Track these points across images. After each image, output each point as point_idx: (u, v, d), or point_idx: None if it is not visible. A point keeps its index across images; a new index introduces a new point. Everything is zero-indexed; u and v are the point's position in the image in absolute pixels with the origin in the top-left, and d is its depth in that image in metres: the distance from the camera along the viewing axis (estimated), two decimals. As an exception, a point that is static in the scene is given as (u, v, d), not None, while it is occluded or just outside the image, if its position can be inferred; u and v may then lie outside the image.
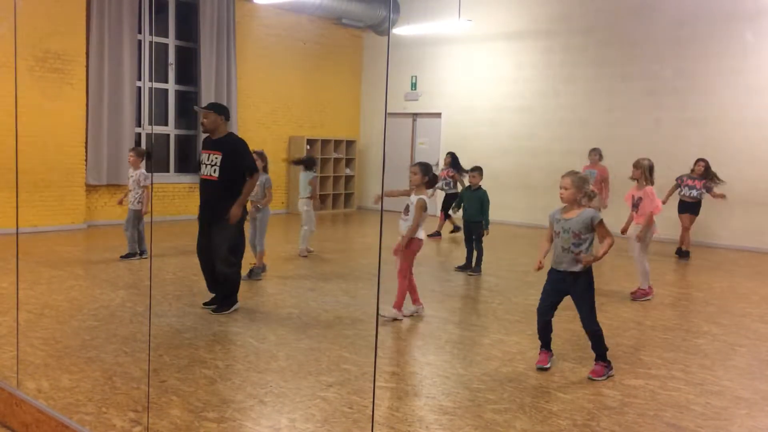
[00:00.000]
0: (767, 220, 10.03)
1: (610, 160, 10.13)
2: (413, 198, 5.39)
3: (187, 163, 11.75)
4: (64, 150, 9.75)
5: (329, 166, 13.73)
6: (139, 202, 7.55)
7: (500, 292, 6.71)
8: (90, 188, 10.23)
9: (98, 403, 3.57)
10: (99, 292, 6.08)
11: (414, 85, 13.86)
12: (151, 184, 9.48)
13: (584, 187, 4.23)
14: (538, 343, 4.46)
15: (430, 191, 5.59)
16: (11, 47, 8.65)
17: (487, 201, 7.56)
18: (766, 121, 9.99)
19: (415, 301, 5.65)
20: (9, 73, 8.88)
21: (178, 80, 11.63)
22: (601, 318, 5.45)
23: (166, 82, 11.49)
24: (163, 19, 11.37)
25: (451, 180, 10.27)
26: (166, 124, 11.58)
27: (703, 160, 9.01)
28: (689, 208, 9.05)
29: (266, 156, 6.99)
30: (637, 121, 11.11)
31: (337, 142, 13.90)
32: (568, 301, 4.32)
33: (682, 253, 9.14)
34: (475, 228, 7.59)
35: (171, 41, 11.46)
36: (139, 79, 10.79)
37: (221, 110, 5.51)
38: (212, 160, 5.39)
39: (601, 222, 4.18)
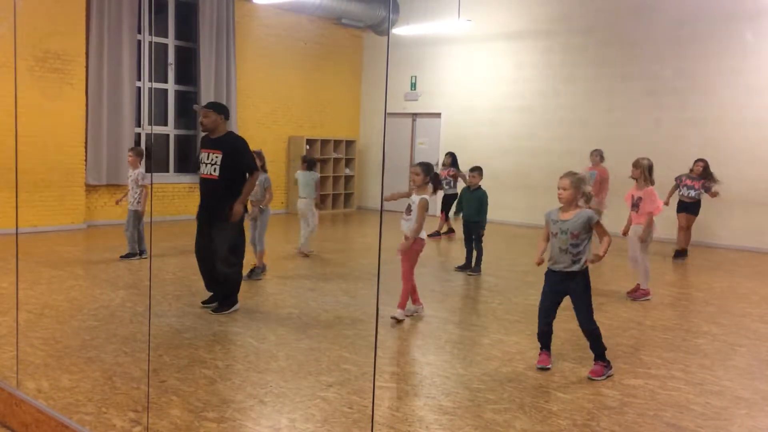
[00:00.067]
0: (767, 220, 10.03)
1: (610, 160, 10.14)
2: (415, 198, 5.38)
3: (187, 163, 11.75)
4: (64, 150, 9.75)
5: (329, 166, 13.73)
6: (138, 202, 7.55)
7: (500, 292, 6.71)
8: (90, 188, 10.23)
9: (98, 403, 3.57)
10: (99, 292, 6.08)
11: (414, 85, 13.86)
12: (151, 183, 9.47)
13: (582, 188, 4.25)
14: (538, 343, 4.46)
15: (430, 190, 5.58)
16: (11, 47, 8.65)
17: (486, 201, 7.57)
18: (766, 121, 9.99)
19: (415, 301, 5.66)
20: (9, 73, 8.88)
21: (178, 80, 11.63)
22: (601, 318, 5.47)
23: (166, 82, 11.49)
24: (162, 19, 11.37)
25: (452, 179, 10.27)
26: (165, 124, 11.58)
27: (702, 160, 9.01)
28: (687, 207, 9.05)
29: (264, 155, 7.00)
30: (637, 121, 11.11)
31: (337, 142, 13.90)
32: (567, 301, 4.32)
33: (678, 253, 9.14)
34: (475, 228, 7.59)
35: (171, 41, 11.46)
36: (139, 79, 10.79)
37: (221, 109, 5.51)
38: (212, 159, 5.39)
39: (598, 222, 4.22)
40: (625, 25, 11.19)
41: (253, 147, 5.83)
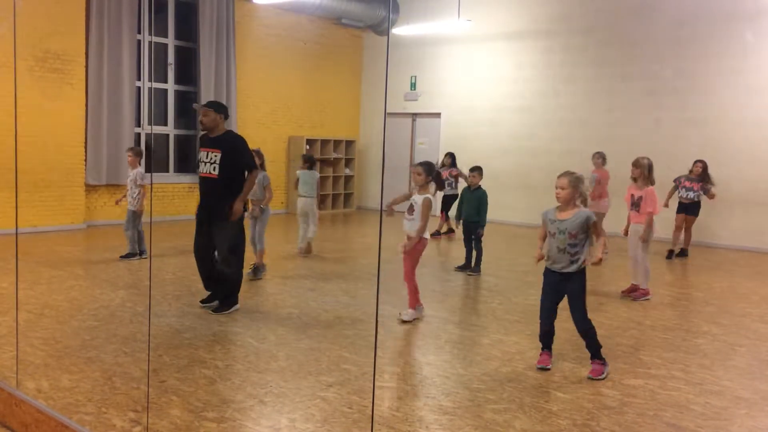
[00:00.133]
0: (767, 220, 10.03)
1: (610, 160, 10.10)
2: (418, 197, 5.36)
3: (187, 163, 11.75)
4: (64, 150, 9.75)
5: (329, 166, 13.73)
6: (137, 202, 7.55)
7: (500, 292, 6.71)
8: (90, 188, 10.23)
9: (98, 403, 3.57)
10: (99, 292, 6.08)
11: (413, 85, 13.86)
12: (151, 183, 9.48)
13: (580, 188, 4.25)
14: (538, 342, 4.46)
15: (432, 189, 5.57)
16: (11, 47, 8.65)
17: (486, 201, 7.56)
18: (766, 121, 9.99)
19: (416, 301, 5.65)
20: (9, 73, 8.88)
21: (178, 80, 11.63)
22: (601, 318, 5.48)
23: (166, 82, 11.49)
24: (162, 19, 11.37)
25: (453, 180, 10.27)
26: (165, 124, 11.57)
27: (701, 161, 9.01)
28: (686, 209, 9.05)
29: (263, 154, 7.00)
30: (637, 121, 11.11)
31: (337, 142, 13.90)
32: (566, 301, 4.32)
33: (671, 253, 9.13)
34: (474, 228, 7.59)
35: (170, 41, 11.46)
36: (139, 79, 10.79)
37: (220, 108, 5.51)
38: (211, 158, 5.38)
39: (595, 222, 4.24)
40: (625, 25, 11.19)
41: (252, 147, 5.83)
